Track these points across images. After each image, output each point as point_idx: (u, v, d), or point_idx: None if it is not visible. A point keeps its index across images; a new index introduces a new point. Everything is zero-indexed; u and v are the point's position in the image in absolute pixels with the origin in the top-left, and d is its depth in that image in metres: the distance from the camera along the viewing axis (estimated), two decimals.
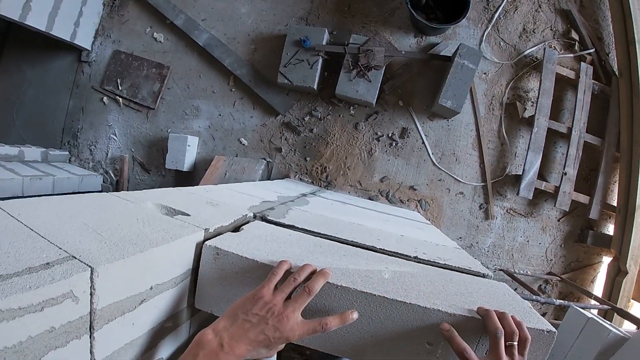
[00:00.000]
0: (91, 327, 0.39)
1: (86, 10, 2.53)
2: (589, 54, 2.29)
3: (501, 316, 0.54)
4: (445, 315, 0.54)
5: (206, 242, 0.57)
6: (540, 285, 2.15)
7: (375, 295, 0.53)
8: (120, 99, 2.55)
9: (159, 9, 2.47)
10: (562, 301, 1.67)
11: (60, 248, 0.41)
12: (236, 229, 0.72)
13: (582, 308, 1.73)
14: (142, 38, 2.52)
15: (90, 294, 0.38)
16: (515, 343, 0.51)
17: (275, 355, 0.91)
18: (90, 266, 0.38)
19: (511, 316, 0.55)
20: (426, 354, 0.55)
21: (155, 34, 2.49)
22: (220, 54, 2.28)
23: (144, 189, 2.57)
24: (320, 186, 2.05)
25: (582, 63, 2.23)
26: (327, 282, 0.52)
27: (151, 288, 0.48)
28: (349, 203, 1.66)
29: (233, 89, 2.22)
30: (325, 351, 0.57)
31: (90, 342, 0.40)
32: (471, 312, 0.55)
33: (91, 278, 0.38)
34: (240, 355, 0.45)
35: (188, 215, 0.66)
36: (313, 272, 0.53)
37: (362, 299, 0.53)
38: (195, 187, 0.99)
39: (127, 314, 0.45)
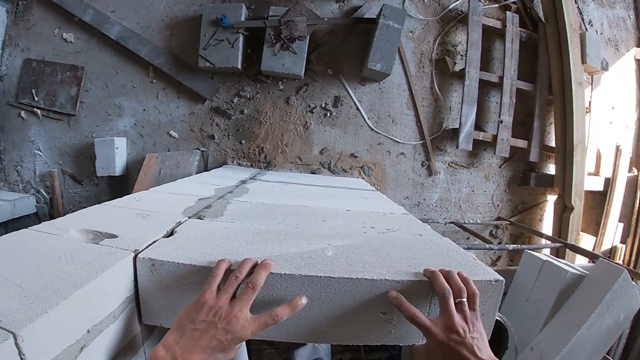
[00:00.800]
0: None
1: None
2: (514, 2, 2.31)
3: (447, 275, 0.54)
4: (393, 283, 0.53)
5: (139, 255, 0.53)
6: (492, 231, 2.21)
7: (321, 277, 0.53)
8: (38, 110, 2.33)
9: (65, 7, 2.24)
10: (515, 245, 1.71)
11: None
12: (171, 232, 0.67)
13: (536, 249, 1.79)
14: (52, 41, 2.30)
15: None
16: (465, 299, 0.52)
17: (245, 349, 0.86)
18: (11, 332, 0.35)
19: (458, 273, 0.54)
20: (382, 322, 0.55)
21: (64, 34, 2.27)
22: (135, 45, 2.11)
23: (79, 201, 2.37)
24: (260, 168, 1.98)
25: (507, 12, 2.25)
26: (271, 272, 0.51)
27: (88, 331, 0.44)
28: (291, 182, 1.61)
29: (154, 80, 2.08)
30: (284, 340, 0.56)
31: None
32: (418, 276, 0.55)
33: (16, 344, 0.35)
34: None
35: (115, 236, 0.61)
36: (255, 266, 0.52)
37: (309, 282, 0.53)
38: (124, 198, 0.90)
39: None
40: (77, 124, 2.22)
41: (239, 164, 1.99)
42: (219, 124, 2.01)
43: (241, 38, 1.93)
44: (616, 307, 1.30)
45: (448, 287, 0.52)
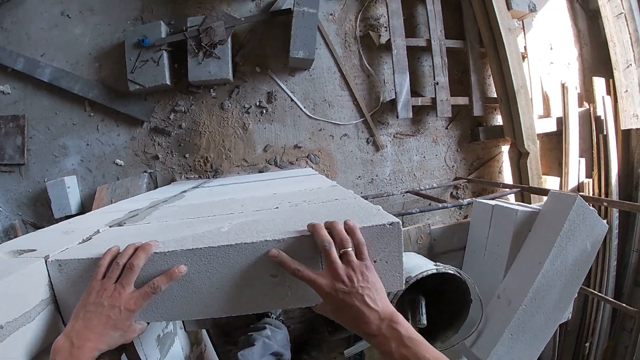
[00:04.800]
0: None
1: None
2: None
3: (330, 226, 0.53)
4: (275, 243, 0.53)
5: (48, 260, 0.56)
6: (452, 192, 2.23)
7: (201, 248, 0.54)
8: None
9: None
10: (469, 199, 1.72)
11: None
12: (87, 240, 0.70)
13: (493, 198, 1.78)
14: None
15: None
16: (350, 249, 0.50)
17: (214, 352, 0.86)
18: None
19: (345, 222, 0.53)
20: (276, 286, 0.55)
21: (0, 87, 2.29)
22: (67, 83, 2.14)
23: None
24: (208, 178, 2.00)
25: None
26: (156, 252, 0.54)
27: (2, 327, 0.47)
28: (232, 183, 1.62)
29: (92, 114, 2.10)
30: (186, 318, 0.58)
31: None
32: (301, 232, 0.54)
33: None
34: (95, 347, 0.47)
35: (34, 250, 0.64)
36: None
37: (191, 255, 0.54)
38: (60, 223, 0.93)
39: None
40: (28, 172, 2.23)
41: (187, 178, 2.01)
42: (160, 143, 2.03)
43: (165, 54, 1.95)
44: (579, 237, 1.24)
45: (329, 238, 0.51)
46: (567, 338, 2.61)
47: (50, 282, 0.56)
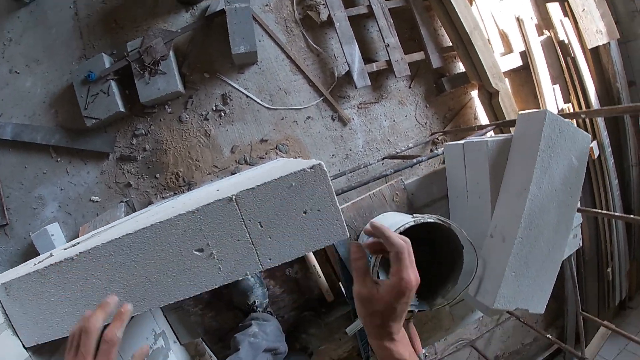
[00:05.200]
0: None
1: None
2: None
3: (378, 232, 0.47)
4: (189, 215, 0.51)
5: None
6: (431, 149, 2.19)
7: (120, 237, 0.52)
8: None
9: None
10: (443, 147, 1.66)
11: None
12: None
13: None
14: None
15: None
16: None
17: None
18: None
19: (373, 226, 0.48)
20: (205, 261, 0.52)
21: None
22: (29, 135, 2.15)
23: None
24: (183, 192, 1.99)
25: None
26: (80, 252, 0.53)
27: None
28: (202, 188, 1.61)
29: (58, 159, 2.11)
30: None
31: None
32: (216, 200, 0.53)
33: None
34: None
35: None
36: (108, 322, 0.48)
37: (113, 247, 0.53)
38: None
39: None
40: (13, 231, 2.24)
41: (163, 197, 2.00)
42: (129, 170, 2.03)
43: (113, 83, 1.95)
44: (561, 153, 1.12)
45: (404, 243, 0.45)
46: (587, 268, 2.54)
47: (2, 307, 0.56)
